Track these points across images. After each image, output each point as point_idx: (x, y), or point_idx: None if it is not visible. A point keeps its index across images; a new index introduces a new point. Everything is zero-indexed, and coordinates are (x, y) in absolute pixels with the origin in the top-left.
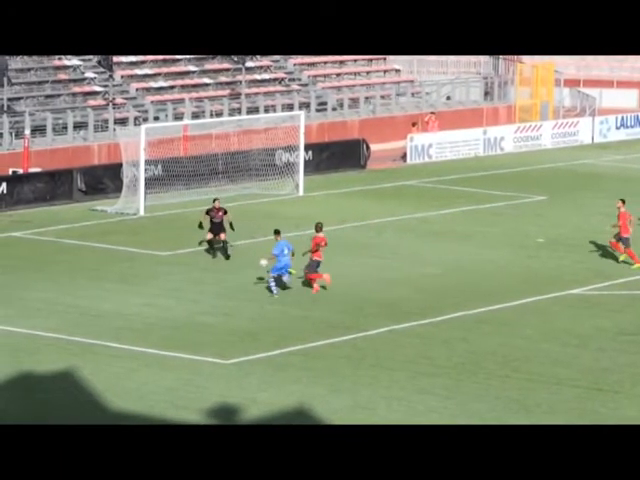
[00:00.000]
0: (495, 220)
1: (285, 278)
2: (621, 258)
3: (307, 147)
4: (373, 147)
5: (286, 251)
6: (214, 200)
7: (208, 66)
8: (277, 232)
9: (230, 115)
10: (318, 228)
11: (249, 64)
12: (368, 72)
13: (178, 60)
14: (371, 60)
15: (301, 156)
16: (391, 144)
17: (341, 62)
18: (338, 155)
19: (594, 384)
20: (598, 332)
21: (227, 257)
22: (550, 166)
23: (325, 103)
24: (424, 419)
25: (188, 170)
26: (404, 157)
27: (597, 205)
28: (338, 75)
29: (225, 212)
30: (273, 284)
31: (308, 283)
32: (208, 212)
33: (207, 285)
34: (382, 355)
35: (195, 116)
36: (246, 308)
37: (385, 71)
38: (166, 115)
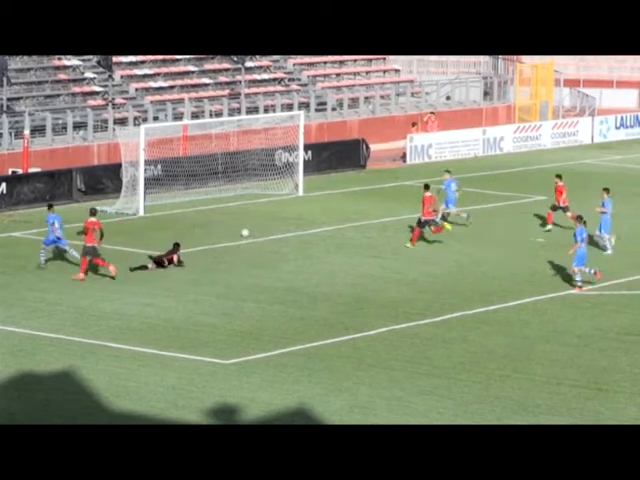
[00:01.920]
0: (494, 220)
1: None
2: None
3: (307, 147)
4: (373, 147)
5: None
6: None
7: (208, 66)
8: None
9: (230, 115)
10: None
11: (249, 64)
12: (368, 72)
13: (178, 60)
14: (371, 60)
15: (301, 156)
16: (391, 144)
17: (341, 62)
18: (338, 155)
19: (594, 384)
20: (598, 332)
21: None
22: (550, 166)
23: (325, 103)
24: (424, 419)
25: (188, 170)
26: (404, 157)
27: (597, 205)
28: (338, 75)
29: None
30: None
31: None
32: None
33: (207, 285)
34: (382, 355)
35: (195, 116)
36: (246, 308)
37: (385, 71)
38: (165, 115)
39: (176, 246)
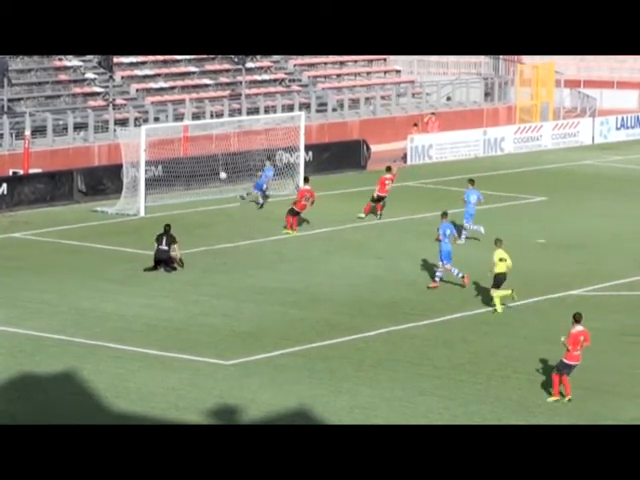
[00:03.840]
0: (495, 221)
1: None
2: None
3: (307, 148)
4: (373, 148)
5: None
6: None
7: (208, 67)
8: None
9: (230, 116)
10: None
11: (249, 65)
12: (368, 73)
13: (178, 61)
14: (371, 61)
15: (301, 157)
16: (391, 145)
17: (341, 63)
18: (338, 156)
19: (594, 384)
20: (598, 333)
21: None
22: (550, 167)
23: (325, 104)
24: (425, 420)
25: (188, 171)
26: (404, 158)
27: (597, 206)
28: (338, 76)
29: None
30: None
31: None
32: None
33: (207, 286)
34: (382, 356)
35: (195, 117)
36: (246, 309)
37: (385, 72)
38: (166, 116)
39: (167, 227)
